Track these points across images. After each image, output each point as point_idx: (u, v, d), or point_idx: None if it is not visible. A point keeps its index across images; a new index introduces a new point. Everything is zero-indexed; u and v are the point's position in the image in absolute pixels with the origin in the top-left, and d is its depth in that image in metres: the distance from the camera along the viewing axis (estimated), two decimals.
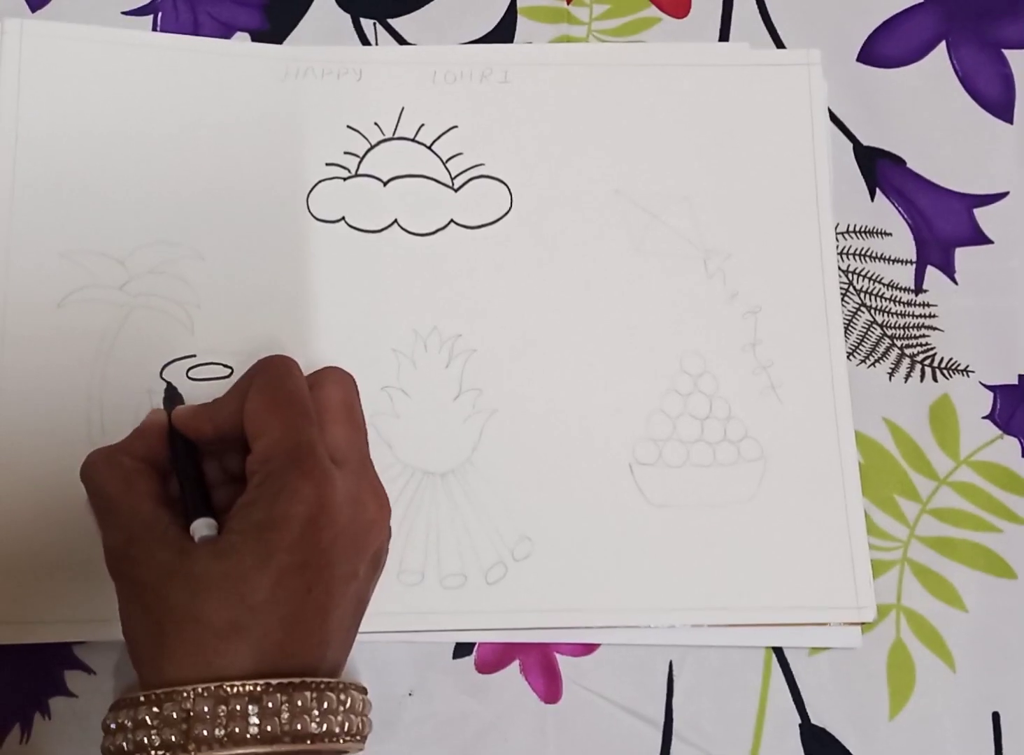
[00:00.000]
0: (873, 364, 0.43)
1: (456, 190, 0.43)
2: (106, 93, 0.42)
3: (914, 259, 0.44)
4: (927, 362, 0.43)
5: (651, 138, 0.44)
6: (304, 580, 0.32)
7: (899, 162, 0.45)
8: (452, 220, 0.43)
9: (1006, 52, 0.47)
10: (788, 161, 0.44)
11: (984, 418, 0.43)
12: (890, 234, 0.45)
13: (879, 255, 0.44)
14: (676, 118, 0.44)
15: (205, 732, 0.29)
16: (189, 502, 0.34)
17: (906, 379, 0.43)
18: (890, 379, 0.43)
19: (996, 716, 0.39)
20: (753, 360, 0.42)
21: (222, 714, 0.30)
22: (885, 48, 0.47)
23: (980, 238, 0.45)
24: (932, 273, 0.44)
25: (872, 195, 0.45)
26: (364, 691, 0.33)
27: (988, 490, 0.42)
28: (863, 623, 0.40)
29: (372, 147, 0.43)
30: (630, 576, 0.40)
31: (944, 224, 0.45)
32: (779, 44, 0.46)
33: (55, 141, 0.42)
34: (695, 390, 0.42)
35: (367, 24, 0.46)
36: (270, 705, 0.30)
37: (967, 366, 0.43)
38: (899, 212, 0.45)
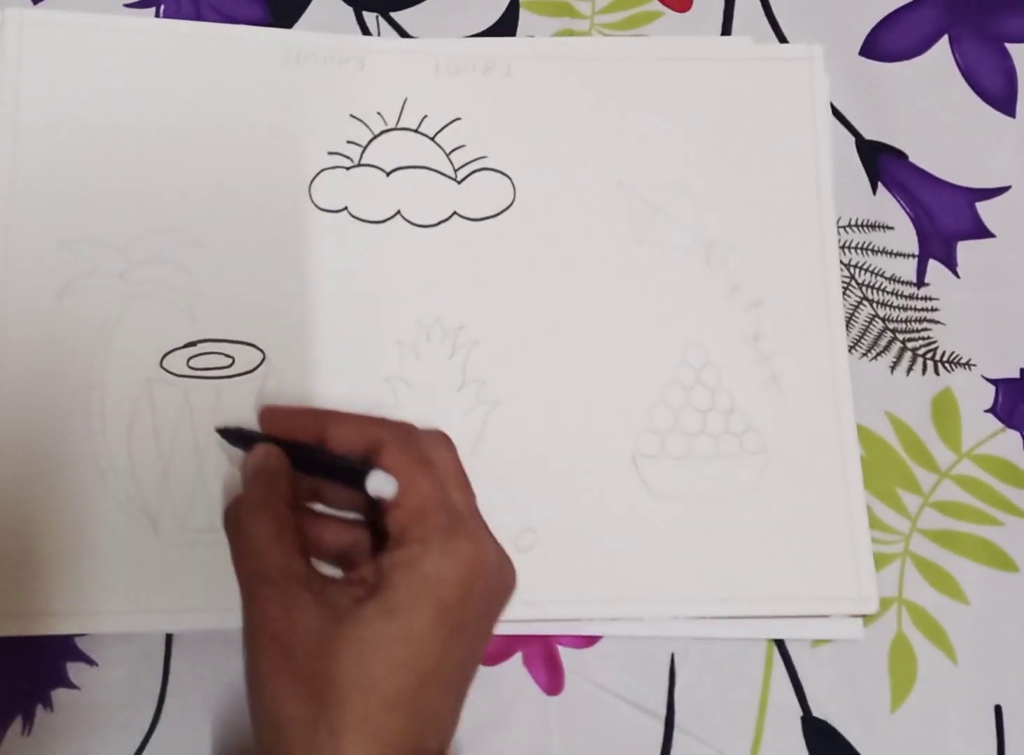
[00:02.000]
0: (875, 357, 0.43)
1: (459, 182, 0.43)
2: (106, 81, 0.42)
3: (916, 253, 0.44)
4: (929, 356, 0.43)
5: (654, 131, 0.44)
6: (464, 641, 0.30)
7: (901, 156, 0.45)
8: (455, 212, 0.43)
9: (1008, 46, 0.47)
10: (790, 155, 0.44)
11: (986, 411, 0.43)
12: (892, 228, 0.45)
13: (881, 249, 0.44)
14: (679, 111, 0.44)
15: None
16: (347, 470, 0.32)
17: (908, 372, 0.43)
18: (892, 372, 0.43)
19: (998, 709, 0.40)
20: (755, 352, 0.42)
21: None
22: (887, 42, 0.47)
23: (982, 232, 0.45)
24: (934, 267, 0.44)
25: (874, 189, 0.45)
26: None
27: (990, 483, 0.42)
28: (865, 615, 0.40)
29: (375, 137, 0.43)
30: (632, 568, 0.40)
31: (946, 218, 0.45)
32: (781, 38, 0.46)
33: (55, 130, 0.41)
34: (697, 382, 0.42)
35: (370, 17, 0.46)
36: None
37: (969, 360, 0.43)
38: (901, 206, 0.45)
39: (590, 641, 0.39)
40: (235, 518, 0.32)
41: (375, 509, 0.33)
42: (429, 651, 0.29)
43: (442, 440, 0.34)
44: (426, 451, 0.33)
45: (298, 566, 0.31)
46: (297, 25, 0.45)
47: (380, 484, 0.31)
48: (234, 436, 0.36)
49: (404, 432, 0.34)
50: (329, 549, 0.34)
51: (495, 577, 0.32)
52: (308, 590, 0.30)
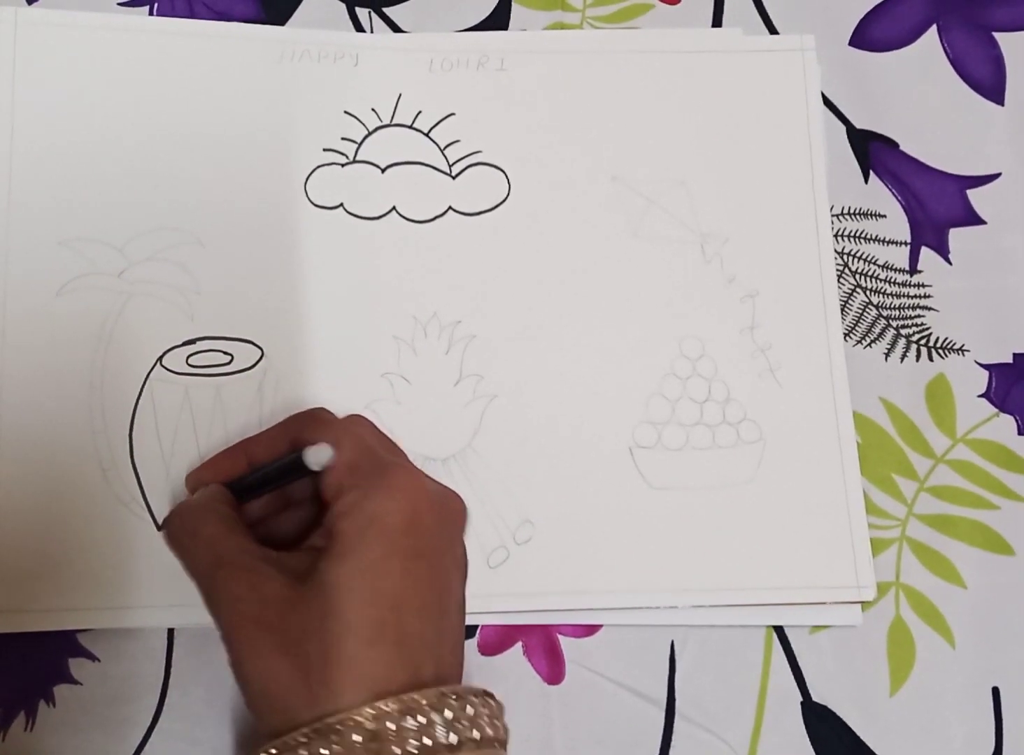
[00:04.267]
0: (869, 345, 0.43)
1: (454, 177, 0.43)
2: (103, 80, 0.42)
3: (908, 240, 0.45)
4: (923, 342, 0.44)
5: (647, 124, 0.44)
6: (426, 566, 0.31)
7: (892, 145, 0.46)
8: (450, 207, 0.43)
9: (996, 35, 0.47)
10: (783, 146, 0.44)
11: (980, 396, 0.43)
12: (884, 216, 0.45)
13: (874, 237, 0.45)
14: (672, 104, 0.45)
15: (398, 750, 0.28)
16: (275, 470, 0.35)
17: (902, 359, 0.43)
18: (886, 359, 0.43)
19: (996, 691, 0.40)
20: (751, 343, 0.42)
21: (412, 728, 0.28)
22: (877, 32, 0.47)
23: (973, 219, 0.45)
24: (926, 254, 0.45)
25: (866, 177, 0.45)
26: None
27: (985, 468, 0.42)
28: (863, 602, 0.40)
29: (370, 133, 0.43)
30: (631, 558, 0.40)
31: (938, 205, 0.45)
32: (771, 29, 0.47)
33: (51, 129, 0.42)
34: (694, 373, 0.42)
35: (362, 12, 0.46)
36: (450, 714, 0.29)
37: (962, 345, 0.44)
38: (893, 194, 0.45)
39: (590, 630, 0.40)
40: (181, 521, 0.34)
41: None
42: (391, 579, 0.30)
43: (358, 418, 0.36)
44: (342, 422, 0.35)
45: (252, 546, 0.32)
46: (290, 21, 0.45)
47: (317, 455, 0.32)
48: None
49: (314, 414, 0.37)
50: (287, 542, 0.35)
51: (440, 504, 0.33)
52: (268, 563, 0.31)
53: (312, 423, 0.36)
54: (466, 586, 0.34)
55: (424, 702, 0.29)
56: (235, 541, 0.33)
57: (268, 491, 0.36)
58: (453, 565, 0.33)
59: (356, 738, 0.28)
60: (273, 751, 0.29)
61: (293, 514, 0.36)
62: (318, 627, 0.29)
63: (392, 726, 0.28)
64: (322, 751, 0.28)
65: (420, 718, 0.28)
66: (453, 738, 0.29)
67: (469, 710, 0.29)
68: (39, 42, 0.42)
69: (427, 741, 0.28)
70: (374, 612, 0.30)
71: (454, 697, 0.29)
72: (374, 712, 0.28)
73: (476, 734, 0.29)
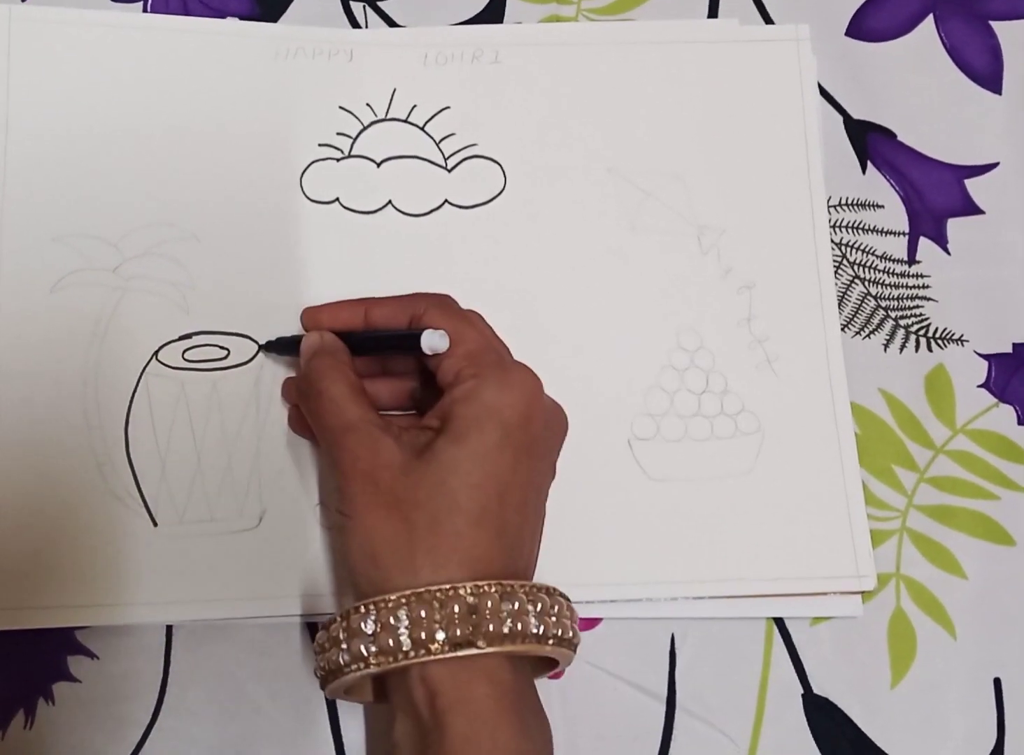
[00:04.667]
0: (868, 336, 0.43)
1: (449, 170, 0.43)
2: (97, 76, 0.42)
3: (907, 231, 0.45)
4: (921, 332, 0.44)
5: (643, 116, 0.44)
6: (531, 464, 0.33)
7: (890, 135, 0.46)
8: (446, 200, 0.43)
9: (993, 24, 0.47)
10: (779, 136, 0.44)
11: (979, 387, 0.43)
12: (882, 206, 0.45)
13: (872, 227, 0.45)
14: (667, 95, 0.44)
15: (492, 628, 0.30)
16: (401, 336, 0.36)
17: (901, 350, 0.43)
18: (885, 350, 0.43)
19: (997, 682, 0.40)
20: (749, 335, 0.42)
21: (506, 611, 0.30)
22: (873, 22, 0.47)
23: (972, 208, 0.45)
24: (925, 244, 0.45)
25: (863, 168, 0.45)
26: None
27: (985, 458, 0.42)
28: (863, 592, 0.40)
29: (365, 128, 0.43)
30: (631, 550, 0.40)
31: (936, 195, 0.45)
32: (767, 19, 0.47)
33: (46, 125, 0.42)
34: (692, 365, 0.42)
35: (357, 7, 0.46)
36: (539, 607, 0.31)
37: (961, 335, 0.43)
38: (891, 184, 0.45)
39: (590, 624, 0.40)
40: (312, 380, 0.35)
41: (427, 377, 0.36)
42: (501, 468, 0.32)
43: (478, 315, 0.38)
44: (466, 314, 0.37)
45: (375, 415, 0.34)
46: (285, 16, 0.45)
47: (433, 340, 0.34)
48: (280, 346, 0.39)
49: (441, 298, 0.37)
50: (389, 408, 0.37)
51: (550, 408, 0.35)
52: (388, 433, 0.33)
53: (437, 306, 0.36)
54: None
55: (520, 590, 0.31)
56: (361, 407, 0.34)
57: (372, 354, 0.38)
58: (550, 471, 0.35)
59: (456, 609, 0.30)
60: (372, 606, 0.30)
61: (387, 383, 0.38)
62: (428, 499, 0.31)
63: (490, 605, 0.30)
64: (423, 613, 0.30)
65: (515, 604, 0.30)
66: (541, 629, 0.31)
67: (556, 608, 0.32)
68: (33, 38, 0.42)
69: (519, 625, 0.30)
70: (482, 495, 0.32)
71: (545, 592, 0.32)
72: (475, 589, 0.30)
73: (559, 631, 0.31)
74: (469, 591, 0.30)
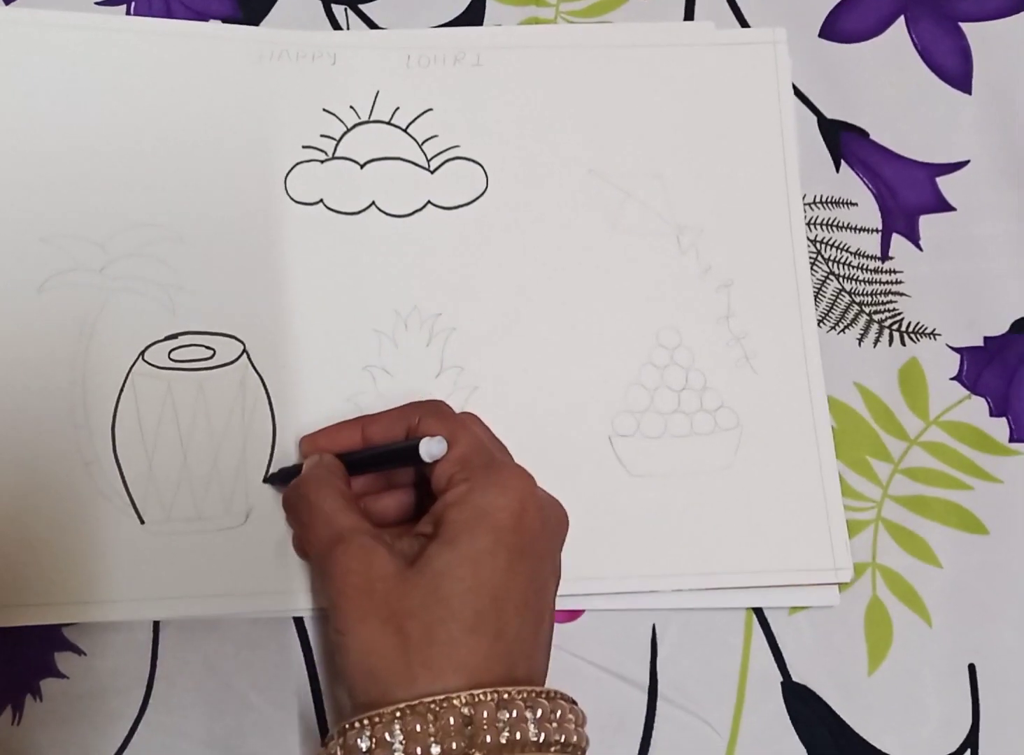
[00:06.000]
0: (843, 330, 0.44)
1: (432, 172, 0.44)
2: (82, 78, 0.43)
3: (880, 227, 0.45)
4: (895, 327, 0.44)
5: (622, 118, 0.45)
6: (527, 566, 0.32)
7: (862, 134, 0.46)
8: (429, 201, 0.43)
9: (963, 25, 0.48)
10: (756, 137, 0.45)
11: (952, 379, 0.44)
12: (856, 204, 0.45)
13: (846, 224, 0.45)
14: (646, 97, 0.45)
15: (489, 738, 0.29)
16: (389, 453, 0.36)
17: (875, 344, 0.44)
18: (860, 345, 0.44)
19: (972, 668, 0.40)
20: (727, 332, 0.43)
21: (503, 720, 0.29)
22: (846, 23, 0.48)
23: (943, 205, 0.46)
24: (897, 240, 0.45)
25: (837, 166, 0.46)
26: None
27: (958, 449, 0.43)
28: (840, 583, 0.40)
29: (348, 130, 0.44)
30: (613, 544, 0.40)
31: (908, 193, 0.46)
32: (742, 21, 0.47)
33: (31, 127, 0.42)
34: (671, 363, 0.43)
35: (338, 9, 0.46)
36: (539, 713, 0.30)
37: (934, 330, 0.44)
38: (864, 182, 0.46)
39: (573, 616, 0.40)
40: (301, 493, 0.35)
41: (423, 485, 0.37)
42: (495, 572, 0.31)
43: (472, 416, 0.38)
44: (459, 418, 0.37)
45: (366, 525, 0.34)
46: (267, 19, 0.46)
47: (432, 447, 0.34)
48: (284, 476, 0.39)
49: (435, 405, 0.38)
50: (397, 521, 0.37)
51: (545, 507, 0.35)
52: (380, 542, 0.33)
53: (430, 414, 0.37)
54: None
55: (518, 697, 0.30)
56: (352, 518, 0.34)
57: (374, 471, 0.38)
58: (551, 571, 0.34)
59: (451, 721, 0.29)
60: (366, 722, 0.30)
61: (392, 497, 0.37)
62: (422, 609, 0.31)
63: (486, 715, 0.29)
64: (417, 728, 0.29)
65: (513, 712, 0.30)
66: (541, 736, 0.30)
67: (558, 713, 0.31)
68: (18, 41, 0.43)
69: (517, 735, 0.29)
70: (476, 601, 0.31)
71: (545, 697, 0.31)
72: (470, 699, 0.29)
73: (561, 737, 0.30)
74: (464, 701, 0.29)
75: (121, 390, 0.40)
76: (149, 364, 0.40)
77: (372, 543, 0.33)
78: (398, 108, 0.44)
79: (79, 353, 0.40)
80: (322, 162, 0.43)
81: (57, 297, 0.40)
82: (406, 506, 0.38)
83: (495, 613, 0.31)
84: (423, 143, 0.44)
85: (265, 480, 0.39)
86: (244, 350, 0.41)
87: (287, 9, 0.46)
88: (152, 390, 0.40)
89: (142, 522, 0.39)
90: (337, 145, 0.43)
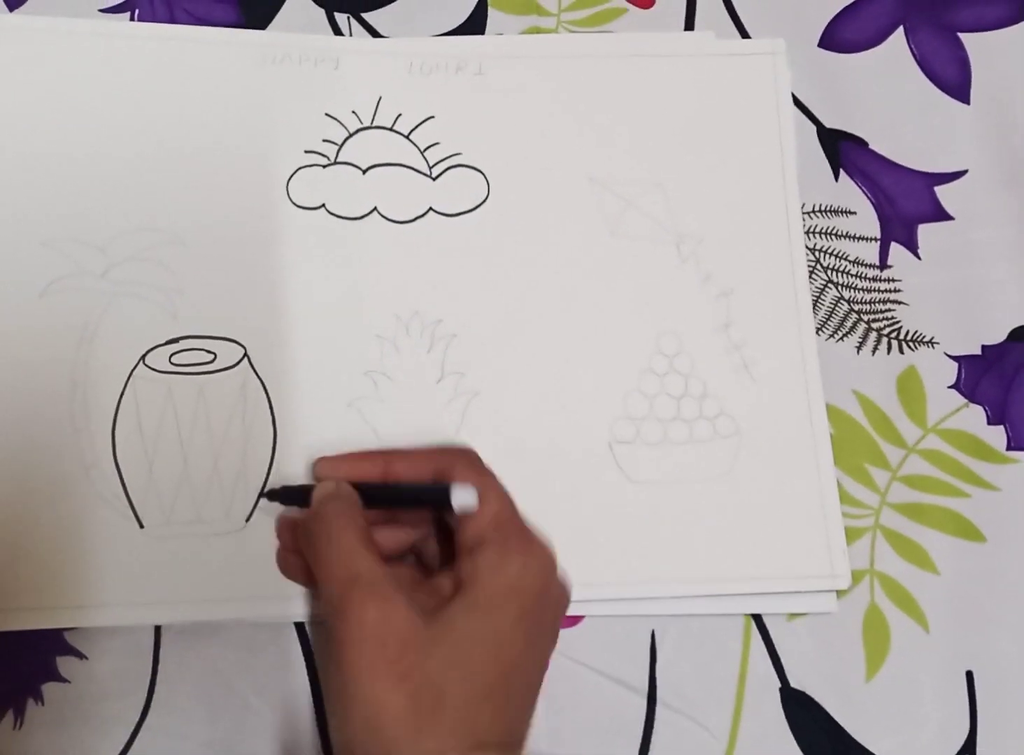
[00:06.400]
0: (841, 338, 0.44)
1: (434, 179, 0.44)
2: (85, 83, 0.43)
3: (878, 236, 0.46)
4: (893, 335, 0.45)
5: (623, 127, 0.45)
6: (541, 638, 0.33)
7: (861, 143, 0.47)
8: (431, 208, 0.43)
9: (961, 35, 0.48)
10: (755, 147, 0.45)
11: (950, 387, 0.44)
12: (854, 213, 0.46)
13: (844, 233, 0.46)
14: (647, 107, 0.45)
15: None
16: (423, 491, 0.35)
17: (873, 352, 0.44)
18: (858, 352, 0.44)
19: (970, 674, 0.40)
20: (726, 340, 0.43)
21: None
22: (845, 33, 0.48)
23: (941, 215, 0.46)
24: (896, 249, 0.46)
25: (836, 176, 0.46)
26: None
27: (956, 457, 0.43)
28: (838, 590, 0.41)
29: (351, 135, 0.44)
30: (613, 551, 0.40)
31: (906, 202, 0.46)
32: (742, 30, 0.48)
33: (35, 132, 0.42)
34: (671, 370, 0.43)
35: (341, 18, 0.46)
36: None
37: (932, 338, 0.44)
38: (863, 191, 0.46)
39: (573, 621, 0.40)
40: (319, 526, 0.34)
41: (438, 528, 0.36)
42: (516, 644, 0.31)
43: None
44: (492, 474, 0.36)
45: (385, 570, 0.33)
46: (270, 26, 0.46)
47: (464, 497, 0.33)
48: (288, 495, 0.38)
49: (468, 453, 0.36)
50: (390, 555, 0.36)
51: (562, 585, 0.35)
52: (399, 592, 0.32)
53: (465, 464, 0.36)
54: None
55: None
56: (371, 560, 0.33)
57: (391, 507, 0.37)
58: (554, 640, 0.35)
59: None
60: None
61: (392, 531, 0.36)
62: (439, 671, 0.30)
63: None
64: None
65: None
66: None
67: None
68: (21, 48, 0.43)
69: None
70: (494, 670, 0.31)
71: None
72: None
73: None
74: None
75: (122, 394, 0.40)
76: (150, 368, 0.40)
77: (391, 593, 0.32)
78: (400, 115, 0.44)
79: (80, 357, 0.40)
80: (324, 167, 0.43)
81: (58, 301, 0.40)
82: (404, 543, 0.37)
83: (508, 681, 0.31)
84: (425, 150, 0.44)
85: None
86: (245, 354, 0.41)
87: (290, 17, 0.46)
88: (153, 394, 0.40)
89: (142, 526, 0.39)
90: (339, 150, 0.44)
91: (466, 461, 0.36)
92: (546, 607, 0.33)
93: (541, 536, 0.34)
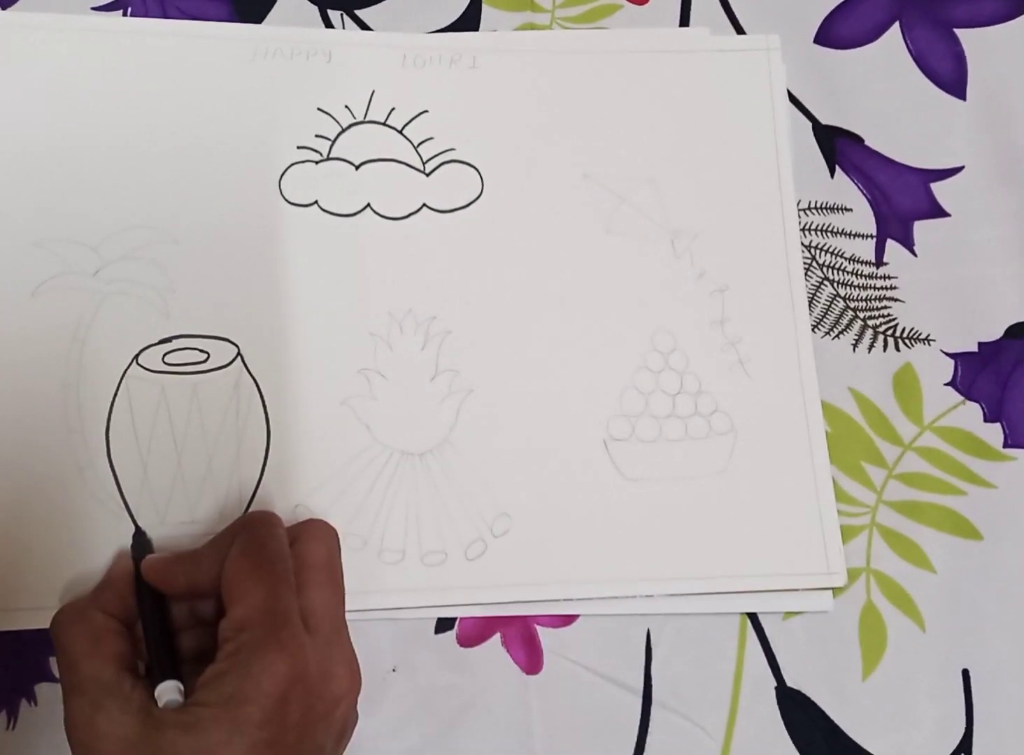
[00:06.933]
0: (837, 336, 0.44)
1: (428, 174, 0.44)
2: (77, 80, 0.43)
3: (874, 233, 0.45)
4: (889, 332, 0.44)
5: (617, 123, 0.45)
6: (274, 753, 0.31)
7: (857, 140, 0.47)
8: (424, 204, 0.43)
9: (957, 31, 0.48)
10: (750, 143, 0.45)
11: (946, 385, 0.44)
12: (850, 209, 0.46)
13: (840, 230, 0.45)
14: (641, 103, 0.45)
15: None
16: (155, 663, 0.34)
17: (870, 349, 0.44)
18: (854, 350, 0.44)
19: (966, 673, 0.40)
20: (722, 337, 0.43)
21: None
22: (841, 30, 0.48)
23: (937, 211, 0.46)
24: (892, 246, 0.45)
25: (832, 172, 0.46)
26: None
27: (952, 454, 0.43)
28: (833, 588, 0.41)
29: (343, 130, 0.44)
30: (607, 548, 0.40)
31: (902, 199, 0.46)
32: (737, 26, 0.47)
33: (26, 130, 0.42)
34: (666, 367, 0.43)
35: (334, 15, 0.46)
36: None
37: (928, 335, 0.44)
38: (859, 188, 0.46)
39: (567, 620, 0.40)
40: (55, 629, 0.34)
41: None
42: None
43: (318, 532, 0.36)
44: (276, 554, 0.34)
45: (108, 675, 0.32)
46: (263, 23, 0.45)
47: (165, 692, 0.32)
48: (138, 543, 0.37)
49: (252, 536, 0.34)
50: (194, 654, 0.35)
51: (316, 689, 0.32)
52: (113, 698, 0.31)
53: (249, 537, 0.34)
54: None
55: None
56: (93, 664, 0.32)
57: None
58: (321, 747, 0.32)
59: None
60: None
61: (197, 632, 0.36)
62: None
63: None
64: None
65: None
66: None
67: None
68: (13, 45, 0.43)
69: None
70: None
71: None
72: None
73: None
74: None
75: (115, 394, 0.40)
76: (143, 368, 0.40)
77: (105, 700, 0.31)
78: (393, 109, 0.44)
79: (73, 357, 0.40)
80: (317, 163, 0.43)
81: (50, 301, 0.40)
82: (205, 643, 0.35)
83: None
84: (419, 145, 0.44)
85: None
86: (238, 353, 0.41)
87: (283, 13, 0.46)
88: (146, 394, 0.40)
89: (136, 526, 0.39)
90: (332, 145, 0.43)
91: (245, 544, 0.34)
92: (280, 720, 0.30)
93: (289, 641, 0.31)
